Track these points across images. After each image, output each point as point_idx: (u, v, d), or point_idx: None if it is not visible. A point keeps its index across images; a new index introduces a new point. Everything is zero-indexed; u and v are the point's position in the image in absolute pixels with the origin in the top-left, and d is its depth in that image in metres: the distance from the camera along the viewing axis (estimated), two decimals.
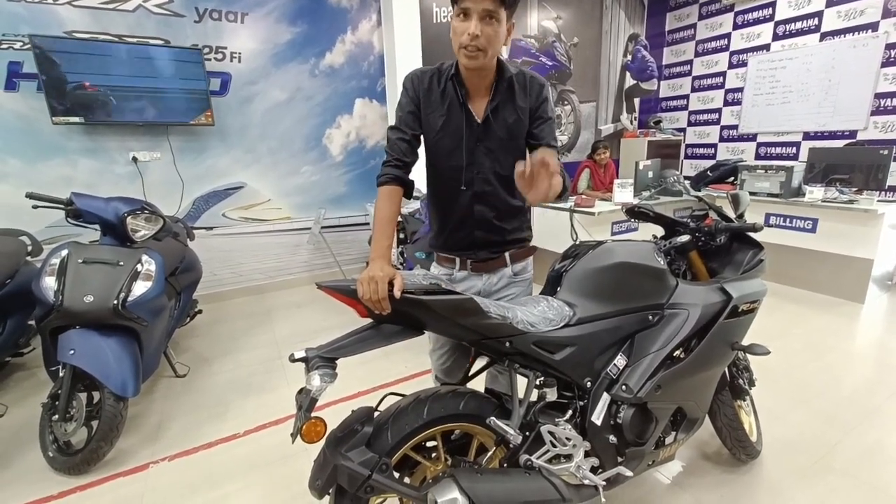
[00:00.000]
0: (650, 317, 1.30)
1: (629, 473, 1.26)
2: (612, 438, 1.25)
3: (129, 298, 1.86)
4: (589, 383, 1.24)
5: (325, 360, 0.99)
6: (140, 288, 1.91)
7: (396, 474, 1.00)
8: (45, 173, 3.11)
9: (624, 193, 3.61)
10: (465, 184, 1.29)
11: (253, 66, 3.70)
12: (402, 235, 3.22)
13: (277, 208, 4.06)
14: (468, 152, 1.27)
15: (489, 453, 1.19)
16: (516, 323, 1.11)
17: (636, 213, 1.70)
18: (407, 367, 2.51)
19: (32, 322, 2.21)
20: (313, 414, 0.98)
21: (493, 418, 1.10)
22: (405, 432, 1.07)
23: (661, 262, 1.33)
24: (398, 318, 1.05)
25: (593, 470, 1.23)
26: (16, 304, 2.25)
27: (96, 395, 1.83)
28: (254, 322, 3.33)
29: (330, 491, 1.04)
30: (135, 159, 3.33)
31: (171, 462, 1.85)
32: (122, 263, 1.91)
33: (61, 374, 1.79)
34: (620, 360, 1.27)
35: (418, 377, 2.43)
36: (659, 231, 1.70)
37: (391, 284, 0.98)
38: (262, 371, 2.56)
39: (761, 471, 1.73)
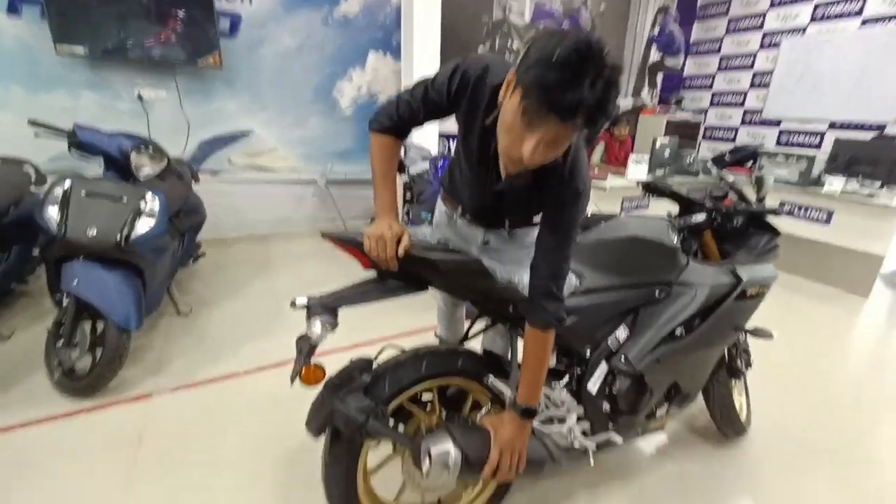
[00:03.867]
0: (657, 292, 1.29)
1: (619, 440, 1.28)
2: (606, 406, 1.27)
3: (132, 235, 1.84)
4: (588, 351, 1.24)
5: (326, 308, 0.99)
6: (143, 226, 1.89)
7: (392, 422, 1.01)
8: (48, 104, 3.03)
9: (638, 169, 3.52)
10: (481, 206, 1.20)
11: (265, 8, 3.53)
12: (408, 195, 3.17)
13: (284, 158, 3.99)
14: (483, 196, 1.12)
15: (483, 409, 1.21)
16: (522, 288, 1.10)
17: (653, 189, 1.65)
18: (408, 323, 2.52)
19: (37, 252, 2.22)
20: (313, 360, 0.98)
21: (491, 377, 1.11)
22: (402, 383, 1.08)
23: (674, 240, 1.31)
24: (403, 273, 1.03)
25: (584, 434, 1.25)
26: (21, 233, 2.24)
27: (100, 325, 1.85)
28: (256, 270, 3.34)
29: (326, 432, 1.06)
30: (140, 97, 3.24)
31: (172, 393, 1.90)
32: (125, 199, 1.89)
33: (65, 303, 1.81)
34: (622, 332, 1.27)
35: (418, 334, 2.45)
36: (674, 208, 1.66)
37: (399, 242, 0.95)
38: (262, 317, 2.58)
39: (749, 449, 1.76)
